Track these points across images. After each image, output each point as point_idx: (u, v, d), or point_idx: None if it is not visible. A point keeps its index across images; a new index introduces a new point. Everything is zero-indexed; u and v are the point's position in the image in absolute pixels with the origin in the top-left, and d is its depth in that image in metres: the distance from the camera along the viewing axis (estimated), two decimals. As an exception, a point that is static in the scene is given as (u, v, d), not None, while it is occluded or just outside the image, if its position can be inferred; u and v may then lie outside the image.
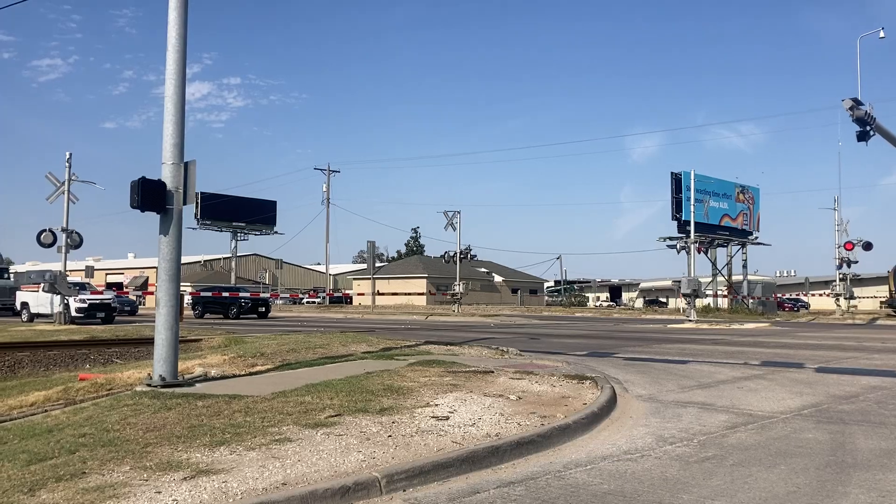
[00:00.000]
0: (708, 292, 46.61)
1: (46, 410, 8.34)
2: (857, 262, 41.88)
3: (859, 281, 51.31)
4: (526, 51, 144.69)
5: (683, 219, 37.20)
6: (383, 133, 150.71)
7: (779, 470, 5.68)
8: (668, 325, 30.86)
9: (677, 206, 38.98)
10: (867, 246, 41.23)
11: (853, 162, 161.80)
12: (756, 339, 21.51)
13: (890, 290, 45.00)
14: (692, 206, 35.14)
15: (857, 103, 25.56)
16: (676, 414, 8.09)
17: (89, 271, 43.29)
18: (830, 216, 43.62)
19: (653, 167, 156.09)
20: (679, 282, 33.00)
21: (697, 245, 33.98)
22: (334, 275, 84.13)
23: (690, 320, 31.58)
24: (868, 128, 25.95)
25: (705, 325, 30.22)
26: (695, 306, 32.10)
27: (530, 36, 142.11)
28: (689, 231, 34.57)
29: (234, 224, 68.25)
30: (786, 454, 6.21)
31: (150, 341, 9.77)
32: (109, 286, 62.34)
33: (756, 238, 46.90)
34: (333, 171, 66.27)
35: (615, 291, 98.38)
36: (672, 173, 40.02)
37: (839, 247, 42.25)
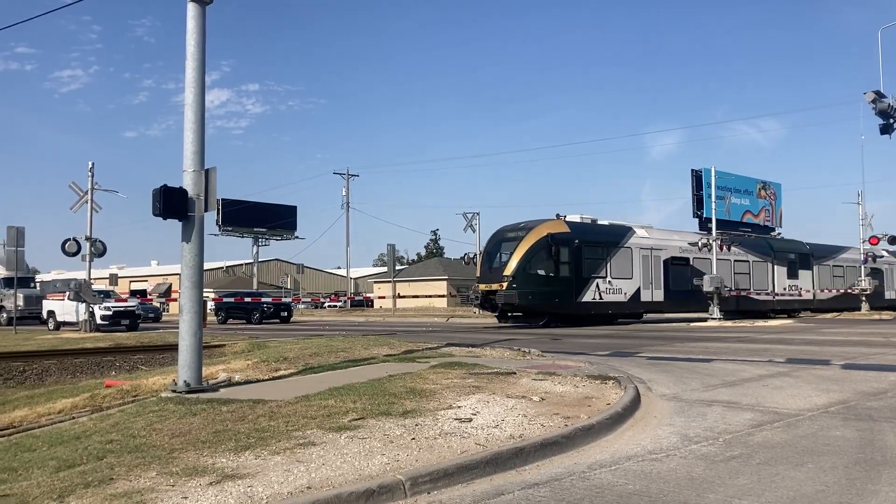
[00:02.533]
0: (731, 290, 46.46)
1: (74, 417, 8.45)
2: (882, 256, 41.32)
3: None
4: (543, 49, 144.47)
5: (705, 216, 36.82)
6: (401, 136, 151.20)
7: (806, 468, 5.62)
8: (691, 324, 30.62)
9: (698, 203, 38.60)
10: (892, 240, 40.71)
11: (876, 155, 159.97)
12: (780, 336, 21.30)
13: None
14: (713, 204, 34.85)
15: (879, 96, 25.24)
16: (701, 413, 8.03)
17: (113, 279, 43.77)
18: (854, 211, 43.13)
19: (673, 164, 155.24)
20: (702, 279, 32.74)
21: (719, 242, 33.62)
22: (355, 278, 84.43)
23: (713, 318, 31.31)
24: (891, 120, 25.61)
25: (729, 323, 29.96)
26: (718, 304, 31.81)
27: (547, 34, 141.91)
28: (711, 228, 34.30)
29: (255, 230, 68.74)
30: (813, 452, 6.14)
31: (174, 347, 9.87)
32: (133, 293, 62.97)
33: (779, 234, 46.37)
34: (352, 176, 66.65)
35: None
36: (692, 170, 39.64)
37: (864, 241, 41.71)
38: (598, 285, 29.69)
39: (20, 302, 33.41)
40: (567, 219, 30.92)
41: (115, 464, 5.60)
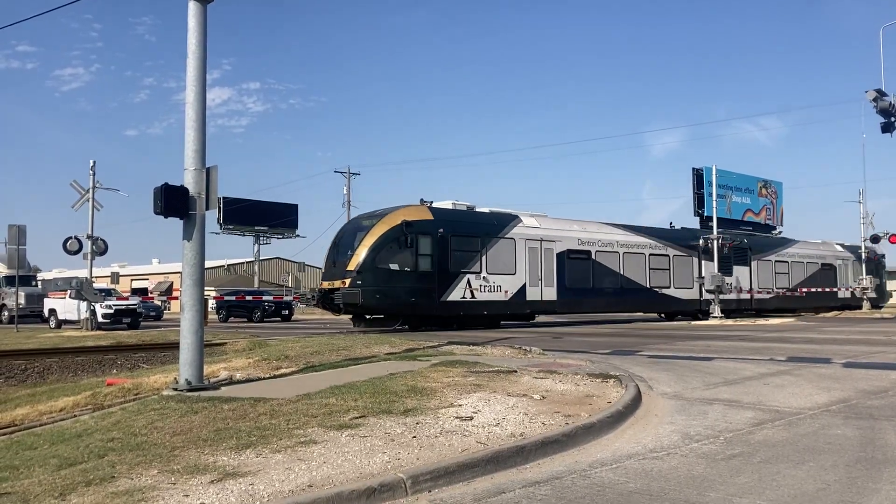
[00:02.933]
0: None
1: (75, 415, 8.47)
2: (883, 255, 41.34)
3: (886, 274, 50.41)
4: (544, 47, 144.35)
5: (705, 214, 36.87)
6: (402, 134, 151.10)
7: (807, 467, 5.62)
8: (693, 322, 30.63)
9: (699, 201, 38.63)
10: (894, 239, 40.62)
11: (878, 154, 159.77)
12: (782, 334, 21.29)
13: None
14: (714, 202, 34.88)
15: (880, 94, 25.21)
16: (702, 411, 8.03)
17: (115, 277, 43.78)
18: (855, 209, 43.14)
19: (674, 163, 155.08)
20: (702, 278, 32.76)
21: (720, 241, 33.61)
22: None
23: (715, 316, 31.32)
24: (892, 119, 25.56)
25: (730, 322, 29.97)
26: (719, 302, 31.82)
27: (548, 32, 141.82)
28: (712, 227, 34.32)
29: (256, 228, 68.78)
30: (814, 451, 6.14)
31: (175, 346, 9.88)
32: (135, 292, 62.93)
33: (780, 233, 46.38)
34: (354, 174, 66.51)
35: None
36: (693, 169, 39.69)
37: (865, 240, 41.71)
38: (469, 282, 25.31)
39: (21, 300, 33.46)
40: (433, 205, 26.69)
41: (117, 462, 5.61)
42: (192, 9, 9.69)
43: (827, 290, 40.96)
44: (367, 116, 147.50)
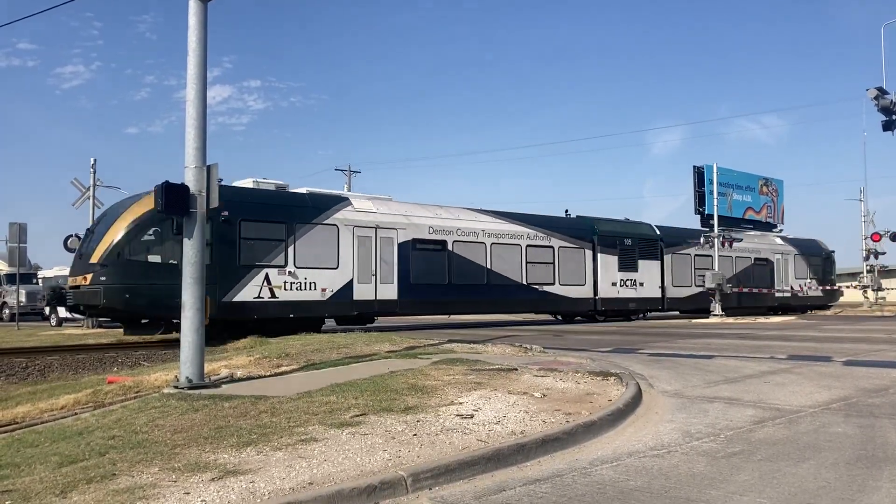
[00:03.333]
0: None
1: (76, 413, 8.47)
2: (884, 253, 41.29)
3: (887, 272, 50.31)
4: (544, 46, 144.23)
5: (706, 213, 36.80)
6: (403, 132, 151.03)
7: (808, 465, 5.62)
8: (693, 320, 30.63)
9: (700, 199, 38.59)
10: (894, 237, 40.62)
11: (879, 152, 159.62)
12: (782, 332, 21.29)
13: None
14: (715, 200, 34.87)
15: (881, 92, 25.21)
16: (702, 409, 8.04)
17: (115, 275, 43.68)
18: (856, 207, 43.09)
19: (675, 161, 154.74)
20: (703, 276, 32.69)
21: (721, 239, 33.58)
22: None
23: (716, 314, 31.32)
24: (894, 117, 25.57)
25: (731, 320, 29.97)
26: (720, 300, 31.81)
27: (548, 31, 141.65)
28: (713, 225, 34.30)
29: (256, 226, 68.59)
30: (815, 449, 6.14)
31: (176, 344, 9.88)
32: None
33: (781, 231, 46.36)
34: (354, 172, 66.51)
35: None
36: (694, 167, 39.63)
37: (866, 238, 41.69)
38: (268, 278, 20.41)
39: (22, 298, 33.46)
40: (221, 183, 20.19)
41: (118, 459, 5.61)
42: (193, 7, 9.69)
43: (761, 288, 36.30)
44: (368, 114, 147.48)
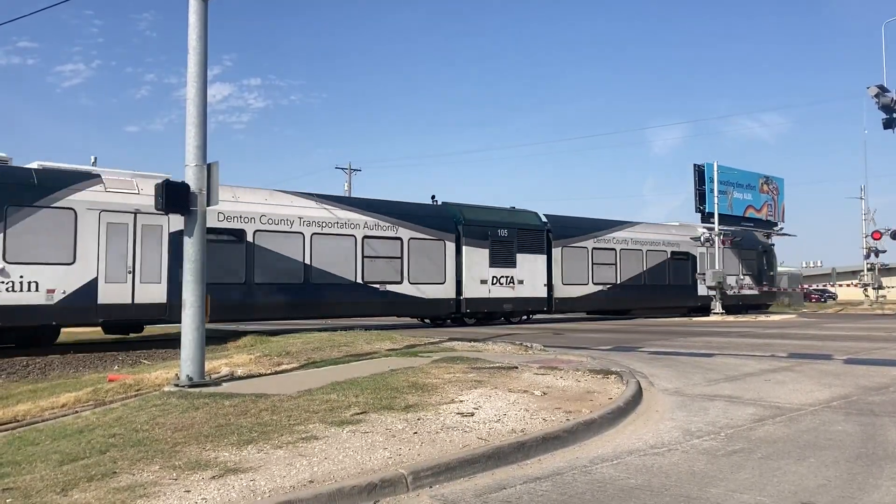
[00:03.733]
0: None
1: (77, 411, 8.47)
2: (885, 251, 41.23)
3: (888, 270, 50.25)
4: (545, 44, 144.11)
5: (707, 211, 36.81)
6: (404, 130, 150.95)
7: (808, 463, 5.62)
8: (693, 318, 30.63)
9: (700, 198, 38.61)
10: (895, 235, 40.59)
11: (880, 150, 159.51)
12: (783, 330, 21.29)
13: None
14: (715, 198, 34.88)
15: (882, 90, 25.22)
16: (703, 407, 8.04)
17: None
18: (857, 205, 43.06)
19: (675, 159, 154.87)
20: (703, 274, 32.61)
21: (721, 237, 33.56)
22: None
23: (716, 313, 31.32)
24: (894, 115, 25.58)
25: (731, 318, 29.96)
26: (720, 299, 31.79)
27: (548, 29, 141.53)
28: (713, 223, 34.30)
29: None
30: (815, 447, 6.15)
31: (176, 342, 9.89)
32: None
33: (781, 229, 46.33)
34: (355, 170, 66.55)
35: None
36: (695, 165, 39.68)
37: (866, 236, 41.67)
38: None
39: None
40: None
41: (118, 458, 5.62)
42: (193, 5, 9.69)
43: (676, 284, 31.99)
44: (368, 113, 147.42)
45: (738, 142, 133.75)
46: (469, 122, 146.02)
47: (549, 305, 27.08)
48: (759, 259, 36.51)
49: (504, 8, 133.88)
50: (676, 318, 30.20)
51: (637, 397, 8.34)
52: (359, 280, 22.16)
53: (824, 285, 63.24)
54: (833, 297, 59.91)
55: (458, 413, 7.13)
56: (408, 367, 10.42)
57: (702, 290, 32.34)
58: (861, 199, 42.37)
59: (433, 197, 26.01)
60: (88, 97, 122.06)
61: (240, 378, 9.99)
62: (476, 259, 24.85)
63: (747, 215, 42.28)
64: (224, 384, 9.30)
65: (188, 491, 4.70)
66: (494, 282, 25.38)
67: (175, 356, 12.11)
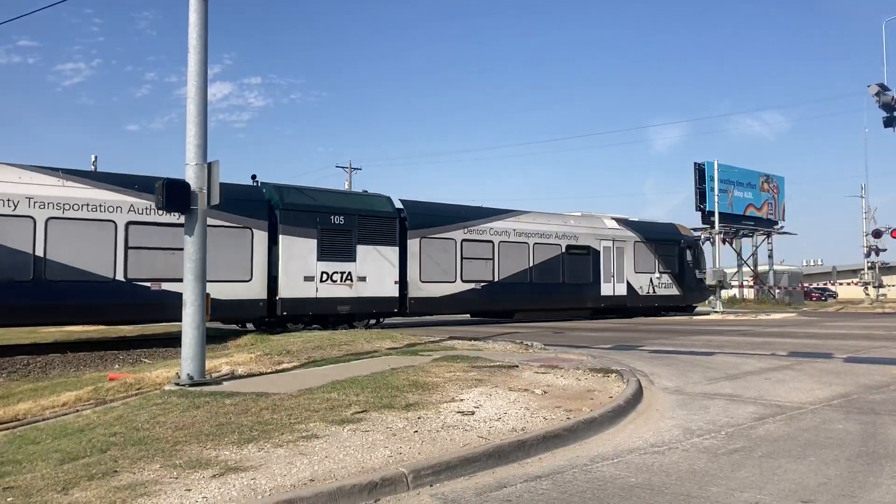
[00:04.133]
0: (733, 283, 46.15)
1: (78, 410, 8.47)
2: (885, 249, 41.23)
3: (888, 269, 50.24)
4: (546, 43, 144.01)
5: (707, 209, 36.91)
6: (404, 129, 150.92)
7: (808, 461, 5.63)
8: (694, 317, 30.62)
9: (701, 196, 38.70)
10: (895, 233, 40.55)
11: (880, 149, 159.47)
12: (783, 329, 21.29)
13: None
14: (716, 197, 34.92)
15: (883, 89, 25.22)
16: (703, 406, 8.04)
17: (116, 272, 43.67)
18: (857, 204, 43.04)
19: (676, 158, 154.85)
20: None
21: (722, 236, 33.61)
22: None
23: (716, 311, 31.33)
24: (895, 114, 25.56)
25: (731, 316, 29.96)
26: (720, 297, 31.79)
27: (549, 28, 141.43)
28: (714, 222, 34.34)
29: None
30: (815, 445, 6.15)
31: (177, 341, 9.89)
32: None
33: (781, 227, 46.41)
34: (355, 169, 66.54)
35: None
36: (695, 164, 39.75)
37: (867, 235, 41.66)
38: None
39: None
40: None
41: (119, 456, 5.62)
42: (194, 4, 9.68)
43: (573, 283, 27.32)
44: (369, 111, 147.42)
45: (739, 140, 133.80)
46: (469, 121, 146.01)
47: (403, 306, 22.49)
48: (680, 255, 31.40)
49: (504, 8, 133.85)
50: (677, 317, 30.13)
51: (637, 396, 8.34)
52: (120, 278, 17.23)
53: (825, 284, 63.29)
54: (833, 295, 59.90)
55: (458, 412, 7.14)
56: (408, 366, 10.43)
57: (606, 290, 28.36)
58: (861, 197, 42.35)
59: (254, 177, 21.13)
60: (89, 96, 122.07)
61: (240, 377, 9.99)
62: (298, 251, 20.09)
63: (748, 214, 42.32)
64: (225, 383, 9.31)
65: (189, 489, 4.71)
66: (325, 279, 20.63)
67: (176, 355, 12.13)
